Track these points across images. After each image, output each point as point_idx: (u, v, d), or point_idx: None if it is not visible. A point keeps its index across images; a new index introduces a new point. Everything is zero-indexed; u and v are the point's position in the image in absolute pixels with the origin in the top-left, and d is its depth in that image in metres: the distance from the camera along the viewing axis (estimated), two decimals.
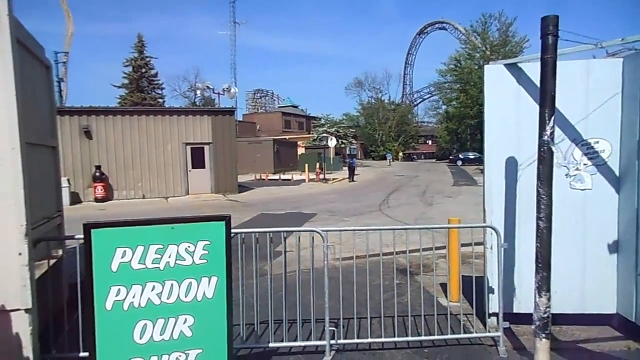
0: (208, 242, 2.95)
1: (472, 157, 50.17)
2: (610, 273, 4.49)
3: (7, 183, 3.20)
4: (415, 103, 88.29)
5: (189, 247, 2.90)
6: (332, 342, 4.06)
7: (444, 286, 5.83)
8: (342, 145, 54.84)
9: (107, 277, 2.76)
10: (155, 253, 2.83)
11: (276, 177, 32.60)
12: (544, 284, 3.66)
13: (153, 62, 53.00)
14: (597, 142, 4.48)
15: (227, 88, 46.28)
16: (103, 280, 2.75)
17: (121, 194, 19.19)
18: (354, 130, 64.88)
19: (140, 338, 2.83)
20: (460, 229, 5.11)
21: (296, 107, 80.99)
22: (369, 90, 77.92)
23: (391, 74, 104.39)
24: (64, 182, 16.43)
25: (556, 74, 3.60)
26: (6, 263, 3.21)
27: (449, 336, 4.26)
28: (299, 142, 51.06)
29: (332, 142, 36.53)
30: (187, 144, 20.30)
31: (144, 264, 2.81)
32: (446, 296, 5.45)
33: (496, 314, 4.27)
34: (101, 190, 18.39)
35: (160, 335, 2.87)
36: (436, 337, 4.27)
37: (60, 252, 5.03)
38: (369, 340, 4.18)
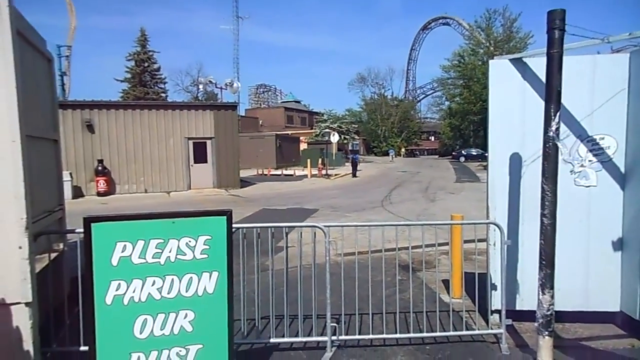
0: (209, 237, 2.93)
1: (474, 153, 50.04)
2: (614, 270, 4.46)
3: (7, 176, 3.18)
4: (418, 99, 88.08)
5: (189, 241, 2.88)
6: (334, 338, 4.05)
7: (446, 283, 5.80)
8: (345, 141, 54.78)
9: (107, 272, 2.74)
10: (156, 247, 2.81)
11: (278, 172, 32.58)
12: (547, 281, 3.63)
13: (156, 57, 52.93)
14: (603, 139, 4.43)
15: (229, 83, 46.11)
16: (103, 275, 2.73)
17: (123, 188, 19.21)
18: (356, 126, 64.81)
19: (141, 333, 2.81)
20: (463, 225, 5.08)
21: (299, 102, 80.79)
22: (371, 85, 77.72)
23: (394, 70, 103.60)
24: (66, 176, 16.45)
25: (562, 69, 3.55)
26: (6, 256, 3.20)
27: (451, 333, 4.24)
28: (301, 138, 51.00)
29: (334, 138, 36.44)
30: (189, 138, 20.29)
31: (145, 259, 2.79)
32: (448, 293, 5.43)
33: (499, 311, 4.24)
34: (103, 184, 18.41)
35: (161, 330, 2.86)
36: (438, 333, 4.25)
37: (61, 245, 5.02)
38: (371, 336, 4.16)
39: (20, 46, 3.50)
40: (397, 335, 4.21)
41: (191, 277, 2.91)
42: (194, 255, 2.90)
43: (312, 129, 62.16)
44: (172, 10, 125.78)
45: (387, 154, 60.57)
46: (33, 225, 3.46)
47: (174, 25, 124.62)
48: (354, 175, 29.92)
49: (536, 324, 3.72)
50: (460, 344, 4.20)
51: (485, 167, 4.74)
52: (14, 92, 3.15)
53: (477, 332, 4.34)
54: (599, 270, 4.46)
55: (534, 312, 3.78)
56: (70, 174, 17.46)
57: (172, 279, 2.87)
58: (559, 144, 3.58)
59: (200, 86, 56.28)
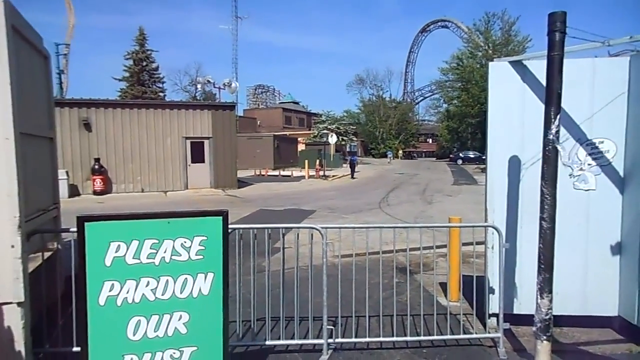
0: (205, 238, 2.89)
1: (472, 156, 50.11)
2: (613, 275, 4.44)
3: (0, 174, 3.13)
4: (416, 101, 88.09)
5: (185, 242, 2.84)
6: (330, 340, 4.01)
7: (443, 285, 5.77)
8: (343, 142, 54.74)
9: (101, 272, 2.69)
10: (151, 248, 2.77)
11: (276, 173, 32.52)
12: (546, 286, 3.60)
13: (154, 56, 52.85)
14: (602, 142, 4.42)
15: (228, 83, 46.04)
16: (96, 275, 2.69)
17: (120, 187, 19.12)
18: (354, 127, 64.75)
19: (134, 334, 2.77)
20: (461, 228, 5.05)
21: (297, 103, 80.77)
22: (370, 87, 77.68)
23: (393, 72, 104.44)
24: (62, 175, 16.37)
25: (562, 71, 3.53)
26: None
27: (448, 336, 4.20)
28: (299, 139, 50.94)
29: (332, 139, 36.41)
30: (186, 138, 20.21)
31: (139, 259, 2.75)
32: (446, 296, 5.40)
33: (496, 315, 4.21)
34: (100, 183, 18.32)
35: (155, 331, 2.81)
36: (435, 337, 4.21)
37: (56, 244, 4.97)
38: (367, 339, 4.13)
39: (16, 42, 3.45)
40: (394, 339, 4.17)
41: (186, 278, 2.87)
42: (189, 256, 2.86)
43: (310, 130, 62.14)
44: (171, 10, 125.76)
45: (385, 156, 60.57)
46: (26, 224, 3.41)
47: (172, 25, 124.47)
48: (352, 176, 29.92)
49: (534, 329, 3.69)
50: (458, 348, 4.17)
51: (483, 170, 4.73)
52: (7, 88, 3.10)
53: (474, 335, 4.31)
54: (597, 275, 4.44)
55: (532, 316, 3.76)
56: (67, 172, 17.36)
57: (167, 280, 2.83)
58: (558, 147, 3.55)
59: (199, 86, 56.24)
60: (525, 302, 4.42)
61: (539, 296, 3.63)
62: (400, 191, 21.10)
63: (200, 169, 20.56)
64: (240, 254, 3.89)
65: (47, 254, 4.14)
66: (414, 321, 4.55)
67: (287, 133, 53.61)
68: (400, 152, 69.49)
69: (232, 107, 22.32)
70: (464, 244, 5.31)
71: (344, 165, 40.12)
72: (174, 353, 2.86)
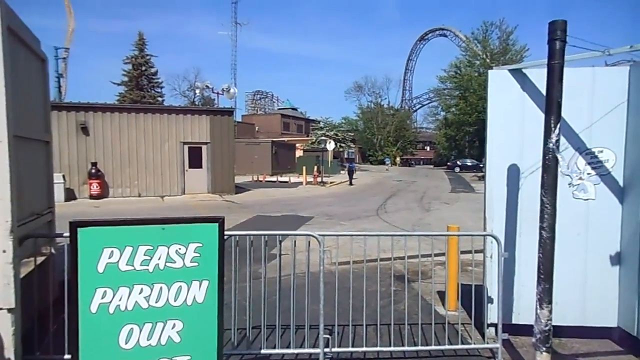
0: (200, 245, 2.83)
1: (469, 164, 50.16)
2: (612, 285, 4.40)
3: None
4: (414, 109, 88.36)
5: (179, 249, 2.78)
6: (327, 350, 3.94)
7: (441, 294, 5.72)
8: (341, 149, 54.78)
9: (93, 279, 2.63)
10: (144, 254, 2.71)
11: (274, 179, 32.45)
12: (545, 296, 3.56)
13: (153, 61, 52.80)
14: (601, 152, 4.40)
15: (226, 88, 46.14)
16: (88, 282, 2.63)
17: (117, 191, 19.03)
18: (352, 134, 64.88)
19: (126, 343, 2.70)
20: (459, 236, 5.01)
21: (295, 109, 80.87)
22: (368, 94, 77.96)
23: (391, 79, 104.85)
24: (59, 178, 16.31)
25: (563, 80, 3.51)
26: None
27: (446, 347, 4.15)
28: (297, 145, 50.93)
29: (330, 146, 36.46)
30: (184, 143, 20.17)
31: (132, 266, 2.69)
32: (444, 305, 5.34)
33: (495, 325, 4.16)
34: (96, 187, 18.23)
35: (147, 340, 2.75)
36: (433, 347, 4.16)
37: (49, 249, 4.90)
38: (364, 349, 4.07)
39: (12, 44, 3.42)
40: (392, 349, 4.12)
41: (180, 286, 2.81)
42: (184, 263, 2.80)
43: (308, 136, 62.19)
44: (170, 15, 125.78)
45: (383, 163, 60.66)
46: (19, 229, 3.35)
47: (172, 30, 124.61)
48: (350, 183, 29.91)
49: (533, 340, 3.64)
50: (455, 358, 4.12)
51: (480, 178, 4.73)
52: (2, 90, 3.06)
53: (472, 346, 4.25)
54: (597, 285, 4.40)
55: (531, 326, 3.71)
56: (63, 176, 17.28)
57: (161, 288, 2.77)
58: (558, 156, 3.53)
59: (197, 91, 56.18)
60: (524, 312, 4.38)
61: (538, 307, 3.59)
62: (398, 198, 21.07)
63: (197, 174, 20.50)
64: (236, 260, 3.84)
65: (40, 259, 4.08)
66: (411, 330, 4.49)
67: (285, 139, 53.64)
68: (398, 159, 69.61)
69: (230, 112, 22.30)
70: (462, 252, 5.27)
71: (342, 171, 40.10)
72: None
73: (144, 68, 51.92)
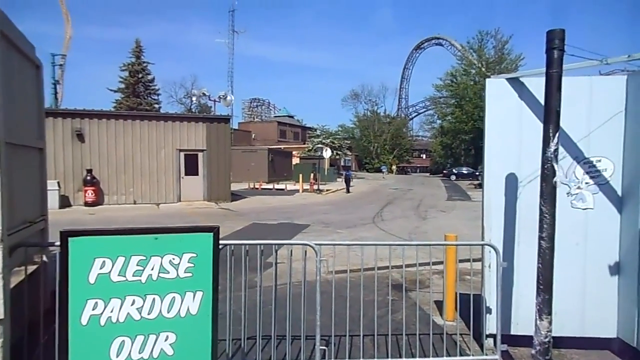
0: (194, 255, 2.77)
1: (465, 172, 50.29)
2: (611, 296, 4.36)
3: None
4: (410, 117, 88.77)
5: (173, 259, 2.72)
6: None
7: (439, 304, 5.66)
8: (337, 157, 54.82)
9: (84, 289, 2.56)
10: (137, 265, 2.64)
11: (270, 186, 32.38)
12: (545, 307, 3.52)
13: (150, 68, 52.80)
14: (600, 161, 4.38)
15: (223, 96, 46.15)
16: (79, 293, 2.56)
17: (112, 198, 18.90)
18: (349, 142, 65.01)
19: (117, 356, 2.63)
20: (457, 246, 4.96)
21: (292, 117, 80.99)
22: (365, 102, 78.28)
23: (387, 87, 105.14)
24: (54, 185, 16.19)
25: (561, 89, 3.50)
26: None
27: (445, 358, 4.08)
28: (293, 152, 50.95)
29: (327, 153, 36.46)
30: (180, 150, 20.10)
31: (125, 276, 2.63)
32: (441, 314, 5.28)
33: (493, 335, 4.11)
34: (92, 194, 18.10)
35: (139, 353, 2.68)
36: (431, 359, 4.09)
37: (42, 258, 4.81)
38: None
39: (5, 49, 3.37)
40: None
41: (174, 297, 2.74)
42: (178, 274, 2.74)
43: (304, 143, 62.23)
44: (168, 23, 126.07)
45: (379, 171, 60.73)
46: (10, 237, 3.28)
47: (169, 38, 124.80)
48: (348, 191, 29.88)
49: (533, 351, 3.59)
50: None
51: (477, 186, 4.69)
52: None
53: (471, 357, 4.19)
54: (596, 295, 4.36)
55: (530, 336, 3.66)
56: (58, 183, 17.15)
57: (154, 299, 2.70)
58: (556, 166, 3.50)
59: (194, 98, 56.27)
60: (523, 323, 4.33)
61: (538, 318, 3.55)
62: (394, 206, 21.04)
63: (193, 182, 20.40)
64: (232, 269, 3.77)
65: (31, 268, 4.00)
66: (409, 341, 4.42)
67: (282, 146, 53.65)
68: (394, 167, 69.73)
69: (227, 120, 22.26)
70: (460, 261, 5.22)
71: (338, 179, 40.11)
72: None
73: (140, 75, 51.89)
